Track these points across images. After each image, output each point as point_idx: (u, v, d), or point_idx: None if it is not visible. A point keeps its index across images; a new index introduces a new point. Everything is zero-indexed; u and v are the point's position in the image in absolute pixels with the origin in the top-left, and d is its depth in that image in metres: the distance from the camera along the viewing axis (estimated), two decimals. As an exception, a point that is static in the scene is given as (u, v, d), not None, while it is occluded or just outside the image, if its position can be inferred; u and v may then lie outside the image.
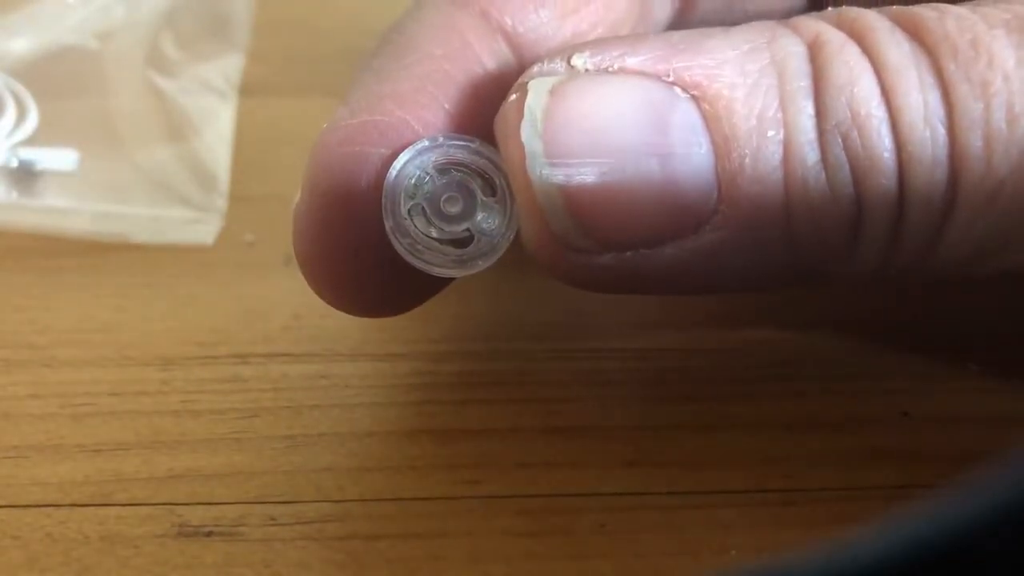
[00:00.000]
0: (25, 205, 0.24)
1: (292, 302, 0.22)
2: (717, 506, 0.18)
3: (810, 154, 0.15)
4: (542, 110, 0.16)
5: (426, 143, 0.17)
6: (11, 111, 0.25)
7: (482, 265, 0.17)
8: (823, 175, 0.16)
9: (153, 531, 0.18)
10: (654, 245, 0.16)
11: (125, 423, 0.20)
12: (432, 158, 0.17)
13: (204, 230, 0.24)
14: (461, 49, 0.18)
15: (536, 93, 0.16)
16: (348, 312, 0.18)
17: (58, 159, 0.24)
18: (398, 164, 0.17)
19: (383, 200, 0.17)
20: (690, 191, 0.16)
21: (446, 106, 0.17)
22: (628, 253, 0.16)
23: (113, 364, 0.21)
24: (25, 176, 0.24)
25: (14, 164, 0.24)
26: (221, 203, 0.24)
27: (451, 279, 0.18)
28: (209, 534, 0.18)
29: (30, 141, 0.24)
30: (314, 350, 0.21)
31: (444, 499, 0.18)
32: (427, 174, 0.17)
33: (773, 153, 0.16)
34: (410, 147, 0.17)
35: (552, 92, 0.16)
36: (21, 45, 0.26)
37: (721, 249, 0.16)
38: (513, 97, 0.16)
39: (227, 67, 0.28)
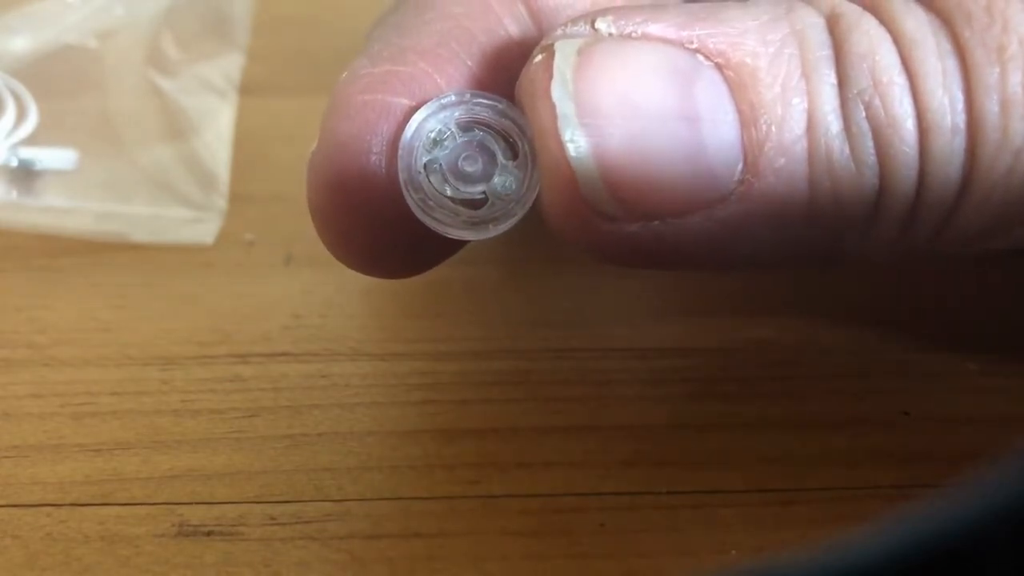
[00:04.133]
0: (25, 204, 0.24)
1: (292, 302, 0.22)
2: (717, 506, 0.18)
3: (833, 123, 0.16)
4: (572, 70, 0.16)
5: (452, 98, 0.16)
6: (11, 111, 0.24)
7: (494, 230, 0.16)
8: (846, 145, 0.16)
9: (153, 531, 0.18)
10: (681, 215, 0.16)
11: (125, 423, 0.20)
12: (456, 114, 0.16)
13: (204, 229, 0.24)
14: (482, 10, 0.17)
15: (564, 54, 0.16)
16: (358, 269, 0.18)
17: (58, 158, 0.24)
18: (420, 116, 0.16)
19: (400, 152, 0.16)
20: (717, 159, 0.16)
21: (469, 63, 0.17)
22: (655, 222, 0.16)
23: (113, 364, 0.21)
24: (25, 175, 0.24)
25: (14, 163, 0.24)
26: (221, 203, 0.24)
27: (463, 244, 0.18)
28: (209, 534, 0.18)
29: (30, 140, 0.24)
30: (314, 350, 0.21)
31: (444, 499, 0.18)
32: (449, 130, 0.16)
33: (797, 122, 0.16)
34: (434, 100, 0.16)
35: (580, 53, 0.16)
36: (21, 44, 0.26)
37: (746, 221, 0.16)
38: (539, 58, 0.16)
39: (227, 66, 0.28)
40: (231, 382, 0.20)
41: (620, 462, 0.19)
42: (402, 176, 0.16)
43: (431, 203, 0.16)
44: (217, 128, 0.26)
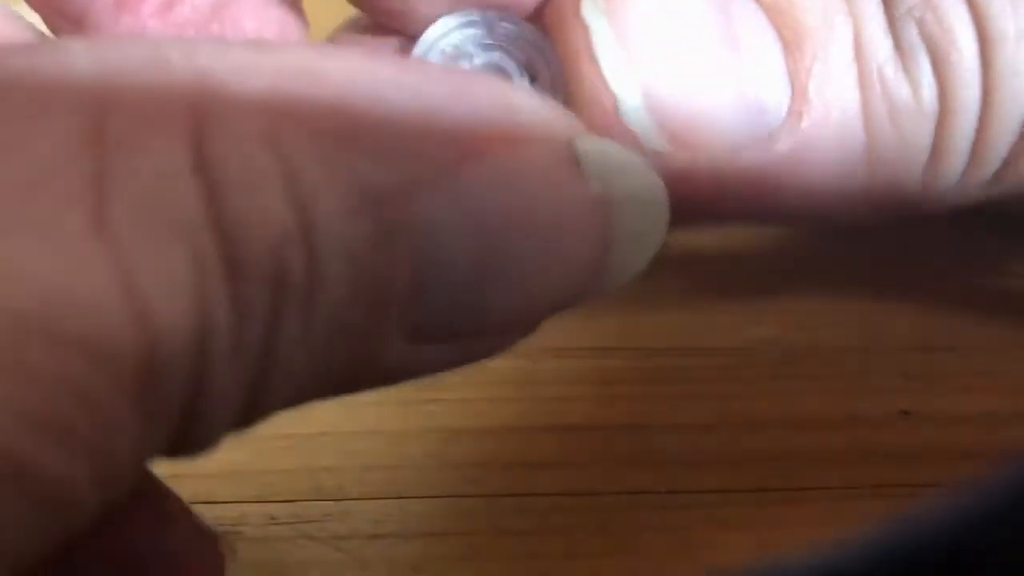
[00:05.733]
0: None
1: (292, 301, 0.22)
2: (717, 506, 0.18)
3: (883, 44, 0.15)
4: None
5: (474, 16, 0.15)
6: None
7: None
8: (900, 66, 0.15)
9: (153, 530, 0.18)
10: (732, 149, 0.15)
11: (125, 422, 0.20)
12: (477, 32, 0.16)
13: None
14: None
15: None
16: None
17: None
18: (438, 31, 0.15)
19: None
20: (763, 89, 0.15)
21: None
22: (706, 158, 0.15)
23: (113, 363, 0.21)
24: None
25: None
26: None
27: None
28: (209, 533, 0.18)
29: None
30: (314, 349, 0.21)
31: (445, 498, 0.18)
32: (468, 47, 0.16)
33: (843, 46, 0.15)
34: (455, 14, 0.15)
35: None
36: (22, 44, 0.26)
37: (798, 158, 0.15)
38: None
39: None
40: (231, 382, 0.20)
41: (621, 462, 0.19)
42: None
43: None
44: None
